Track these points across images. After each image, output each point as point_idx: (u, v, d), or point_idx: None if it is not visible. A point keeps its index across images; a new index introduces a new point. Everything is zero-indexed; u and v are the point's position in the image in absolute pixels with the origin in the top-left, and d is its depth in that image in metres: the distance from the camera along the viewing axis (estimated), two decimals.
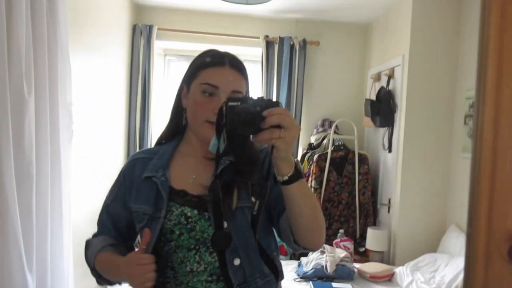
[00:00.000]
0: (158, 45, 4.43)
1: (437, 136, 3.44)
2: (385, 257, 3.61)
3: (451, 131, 3.42)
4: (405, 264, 3.18)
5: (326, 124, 4.37)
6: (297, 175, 1.02)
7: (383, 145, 3.80)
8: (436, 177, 3.46)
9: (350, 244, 3.60)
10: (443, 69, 3.41)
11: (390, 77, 3.67)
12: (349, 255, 3.23)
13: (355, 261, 3.43)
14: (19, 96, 1.82)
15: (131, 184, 1.22)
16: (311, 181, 3.92)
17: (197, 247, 1.14)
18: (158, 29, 4.23)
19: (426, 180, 3.47)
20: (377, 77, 4.00)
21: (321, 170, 3.93)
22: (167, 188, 1.17)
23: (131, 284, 1.06)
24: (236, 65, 1.19)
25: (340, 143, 4.09)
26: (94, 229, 1.31)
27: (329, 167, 3.90)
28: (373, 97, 3.85)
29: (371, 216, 3.94)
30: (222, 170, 1.14)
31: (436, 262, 3.05)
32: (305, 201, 1.07)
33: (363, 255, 3.73)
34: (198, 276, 1.14)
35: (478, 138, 0.51)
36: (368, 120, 3.91)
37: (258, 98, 1.02)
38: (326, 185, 3.90)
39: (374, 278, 3.06)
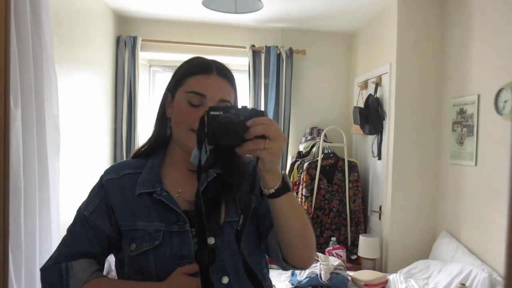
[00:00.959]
0: (143, 56, 4.39)
1: (426, 142, 3.46)
2: (378, 265, 3.59)
3: (440, 138, 3.44)
4: (398, 271, 3.16)
5: (314, 132, 4.37)
6: (285, 188, 0.96)
7: (373, 152, 3.80)
8: (426, 183, 3.47)
9: (342, 252, 3.58)
10: (430, 76, 3.44)
11: (378, 84, 3.68)
12: (342, 263, 3.21)
13: (348, 269, 3.41)
14: (5, 109, 1.76)
15: (121, 202, 1.10)
16: (302, 189, 3.90)
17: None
18: (143, 40, 4.19)
19: (416, 186, 3.47)
20: (364, 85, 4.02)
21: (312, 178, 3.91)
22: (173, 200, 1.08)
23: None
24: (223, 73, 1.12)
25: (329, 150, 4.08)
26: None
27: (319, 175, 3.89)
28: (361, 105, 3.86)
29: (362, 223, 3.94)
30: (208, 183, 1.09)
31: (429, 268, 3.04)
32: (293, 215, 1.00)
33: (355, 263, 3.71)
34: None
35: None
36: (356, 128, 3.92)
37: (242, 107, 0.96)
38: (317, 193, 3.89)
39: (368, 286, 3.04)
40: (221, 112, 0.93)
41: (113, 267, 3.83)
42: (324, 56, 4.50)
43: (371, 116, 3.63)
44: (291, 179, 4.08)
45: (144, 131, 4.41)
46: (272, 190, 0.95)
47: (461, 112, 3.09)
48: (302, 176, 3.94)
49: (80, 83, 3.22)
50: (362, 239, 3.58)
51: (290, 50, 4.29)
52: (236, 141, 0.92)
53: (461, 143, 3.09)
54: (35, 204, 2.02)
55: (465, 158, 3.04)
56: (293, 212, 1.00)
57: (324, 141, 4.10)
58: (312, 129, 4.39)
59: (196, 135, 0.97)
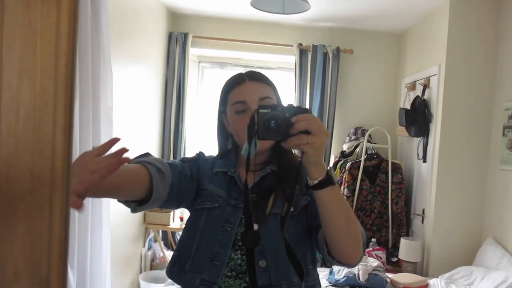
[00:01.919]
0: (193, 52, 4.52)
1: (474, 147, 3.38)
2: (418, 268, 3.55)
3: (489, 142, 3.36)
4: (440, 276, 3.12)
5: (358, 132, 4.36)
6: (329, 180, 1.02)
7: (418, 154, 3.76)
8: (472, 188, 3.40)
9: (382, 254, 3.57)
10: (481, 79, 3.35)
11: (426, 86, 3.63)
12: (381, 265, 3.20)
13: (387, 271, 3.40)
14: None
15: (205, 169, 1.29)
16: (344, 189, 3.91)
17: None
18: (193, 36, 4.31)
19: (462, 191, 3.41)
20: (412, 86, 3.97)
21: (354, 179, 3.91)
22: (241, 181, 1.22)
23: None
24: (255, 77, 1.27)
25: (373, 151, 4.06)
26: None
27: (361, 175, 3.88)
28: (408, 106, 3.82)
29: (404, 226, 3.90)
30: (263, 177, 1.22)
31: (472, 275, 2.99)
32: (337, 208, 1.05)
33: (395, 265, 3.69)
34: (221, 267, 1.17)
35: None
36: (402, 129, 3.88)
37: (288, 105, 1.04)
38: (358, 193, 3.89)
39: None
40: (269, 110, 1.01)
41: (158, 255, 3.99)
42: (371, 56, 4.47)
43: (417, 118, 3.58)
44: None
45: (191, 124, 4.55)
46: (316, 182, 1.01)
47: None
48: (344, 176, 3.95)
49: (134, 76, 3.37)
50: (403, 241, 3.55)
51: (337, 49, 4.29)
52: (281, 136, 1.00)
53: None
54: None
55: None
56: (337, 205, 1.05)
57: (368, 141, 4.08)
58: (356, 129, 4.38)
59: (247, 131, 1.05)
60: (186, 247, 1.23)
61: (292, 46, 4.30)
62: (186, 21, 4.41)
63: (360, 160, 3.91)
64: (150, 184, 1.10)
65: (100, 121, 2.30)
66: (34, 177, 0.53)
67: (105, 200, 2.35)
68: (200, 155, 1.37)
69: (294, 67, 4.33)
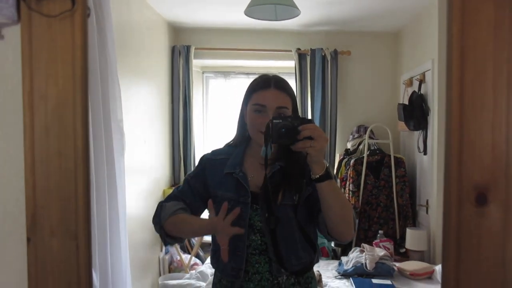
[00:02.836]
0: (196, 63, 4.70)
1: None
2: (426, 257, 3.65)
3: None
4: None
5: (361, 130, 4.48)
6: (327, 175, 1.31)
7: (418, 147, 3.87)
8: None
9: (390, 245, 3.67)
10: None
11: (421, 81, 3.76)
12: (388, 254, 3.31)
13: (396, 261, 3.50)
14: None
15: (214, 175, 1.55)
16: (349, 185, 4.04)
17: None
18: (195, 48, 4.49)
19: None
20: (409, 82, 4.10)
21: (358, 174, 4.04)
22: (247, 180, 1.49)
23: (212, 232, 1.41)
24: (280, 86, 1.48)
25: (375, 147, 4.19)
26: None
27: (366, 171, 4.01)
28: (406, 102, 3.94)
29: (410, 217, 4.01)
30: (274, 172, 1.47)
31: None
32: (334, 197, 1.34)
33: (403, 256, 3.79)
34: (243, 254, 1.46)
35: (448, 113, 0.66)
36: (402, 124, 4.00)
37: (295, 116, 1.39)
38: (364, 188, 4.01)
39: (414, 276, 3.13)
40: (281, 120, 1.32)
41: (175, 259, 4.14)
42: (369, 56, 4.61)
43: (415, 112, 3.71)
44: (339, 176, 4.23)
45: (199, 133, 4.72)
46: (317, 176, 1.31)
47: None
48: (349, 172, 4.08)
49: (140, 90, 3.55)
50: (409, 232, 3.66)
51: (335, 51, 4.44)
52: (290, 140, 1.30)
53: None
54: (105, 197, 2.32)
55: None
56: (334, 195, 1.34)
57: (371, 138, 4.21)
58: (359, 127, 4.51)
59: (264, 137, 1.35)
60: (216, 243, 1.46)
61: (291, 51, 4.46)
62: (187, 34, 4.59)
63: (363, 156, 4.03)
64: None
65: (111, 132, 2.46)
66: (61, 156, 0.69)
67: (121, 205, 2.51)
68: (205, 162, 1.60)
69: (294, 71, 4.48)
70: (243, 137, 1.60)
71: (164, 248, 4.16)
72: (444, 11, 3.48)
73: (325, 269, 3.25)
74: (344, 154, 4.38)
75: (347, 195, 4.03)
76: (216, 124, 5.00)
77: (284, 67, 4.73)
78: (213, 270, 3.03)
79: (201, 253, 4.44)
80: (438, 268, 3.19)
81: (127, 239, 2.55)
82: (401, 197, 4.02)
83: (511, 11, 0.63)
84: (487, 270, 0.69)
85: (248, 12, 2.56)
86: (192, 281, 2.73)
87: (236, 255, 1.46)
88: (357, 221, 3.98)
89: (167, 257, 4.14)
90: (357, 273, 3.11)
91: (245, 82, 4.87)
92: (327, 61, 4.42)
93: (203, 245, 4.48)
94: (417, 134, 3.92)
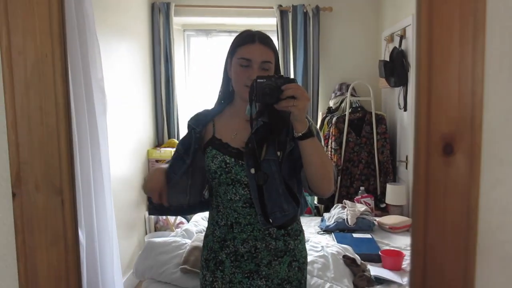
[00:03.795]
0: (177, 21, 4.61)
1: None
2: (405, 211, 3.78)
3: None
4: None
5: (343, 87, 4.50)
6: (309, 133, 1.36)
7: (399, 104, 3.92)
8: None
9: (370, 200, 3.78)
10: None
11: (402, 37, 3.76)
12: (369, 209, 3.42)
13: (377, 216, 3.62)
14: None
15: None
16: (331, 143, 4.10)
17: (233, 184, 1.52)
18: (176, 5, 4.40)
19: None
20: (390, 38, 4.10)
21: (340, 132, 4.09)
22: (198, 143, 1.56)
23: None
24: (264, 41, 1.51)
25: (357, 105, 4.23)
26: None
27: (347, 128, 4.06)
28: (387, 58, 3.96)
29: (390, 173, 4.10)
30: (257, 129, 1.48)
31: None
32: (315, 154, 1.40)
33: (384, 211, 3.91)
34: (236, 203, 1.53)
35: (417, 67, 0.69)
36: (384, 81, 4.03)
37: (279, 75, 1.40)
38: (345, 146, 4.07)
39: (393, 229, 3.25)
40: (265, 80, 1.35)
41: (161, 218, 4.20)
42: (350, 12, 4.57)
43: (396, 68, 3.73)
44: (322, 133, 4.28)
45: (182, 91, 4.69)
46: (300, 134, 1.36)
47: None
48: (331, 130, 4.13)
49: (120, 49, 3.50)
50: (389, 187, 3.76)
51: (317, 8, 4.39)
52: (273, 100, 1.34)
53: None
54: (89, 157, 2.33)
55: None
56: (315, 151, 1.40)
57: (353, 95, 4.24)
58: (341, 85, 4.52)
59: (248, 96, 1.39)
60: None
61: (272, 8, 4.40)
62: None
63: (345, 114, 4.08)
64: None
65: (92, 92, 2.44)
66: (43, 112, 0.70)
67: (105, 165, 2.52)
68: (189, 124, 1.64)
69: (276, 29, 4.44)
70: (227, 92, 1.63)
71: None
72: None
73: (307, 225, 3.35)
74: (327, 112, 4.42)
75: (329, 153, 4.10)
76: (199, 82, 4.96)
77: (266, 24, 4.66)
78: (198, 228, 3.11)
79: None
80: None
81: (112, 198, 2.59)
82: (381, 153, 4.10)
83: None
84: (454, 216, 0.73)
85: None
86: (178, 239, 2.80)
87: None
88: (339, 178, 4.07)
89: (152, 216, 4.20)
90: (339, 229, 3.21)
91: (227, 40, 4.81)
92: (309, 17, 4.38)
93: None
94: (398, 91, 3.96)
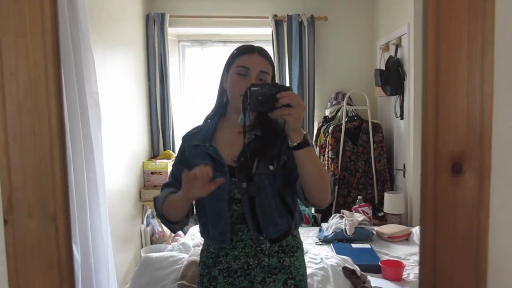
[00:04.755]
0: (171, 32, 4.59)
1: None
2: (403, 220, 3.75)
3: None
4: None
5: (339, 96, 4.49)
6: (305, 143, 1.32)
7: (395, 112, 3.92)
8: None
9: (368, 210, 3.76)
10: None
11: (398, 45, 3.77)
12: (367, 219, 3.39)
13: (375, 225, 3.59)
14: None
15: (190, 150, 1.56)
16: (328, 152, 4.08)
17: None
18: (170, 16, 4.39)
19: None
20: (386, 47, 4.10)
21: (337, 141, 4.07)
22: (218, 153, 1.49)
23: (188, 196, 1.38)
24: (263, 53, 1.51)
25: (353, 113, 4.22)
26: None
27: (344, 137, 4.05)
28: (383, 67, 3.96)
29: (388, 182, 4.09)
30: (250, 142, 1.45)
31: None
32: (311, 164, 1.36)
33: (382, 220, 3.89)
34: (227, 219, 1.49)
35: (424, 84, 0.67)
36: (379, 90, 4.02)
37: (273, 83, 1.36)
38: (342, 155, 4.05)
39: (392, 238, 3.22)
40: (259, 88, 1.30)
41: (156, 230, 4.16)
42: (346, 21, 4.58)
43: (391, 77, 3.73)
44: (318, 143, 4.26)
45: (177, 102, 4.67)
46: (295, 144, 1.32)
47: None
48: (327, 140, 4.11)
49: (115, 60, 3.47)
50: (387, 196, 3.74)
51: (312, 17, 4.39)
52: (268, 108, 1.29)
53: None
54: (83, 172, 2.29)
55: None
56: (311, 162, 1.36)
57: (349, 104, 4.24)
58: (337, 94, 4.52)
59: (242, 104, 1.35)
60: (204, 214, 1.54)
61: (267, 18, 4.40)
62: (162, 1, 4.47)
63: (342, 123, 4.06)
64: None
65: (87, 105, 2.41)
66: (36, 134, 0.67)
67: (100, 179, 2.49)
68: (183, 141, 1.62)
69: (271, 38, 4.43)
70: (221, 105, 1.60)
71: (145, 220, 4.17)
72: None
73: (306, 236, 3.32)
74: (323, 122, 4.41)
75: (326, 162, 4.08)
76: (194, 93, 4.95)
77: (261, 34, 4.67)
78: (195, 241, 3.07)
79: None
80: (415, 230, 3.29)
81: (107, 213, 2.55)
82: (378, 162, 4.08)
83: None
84: (463, 236, 0.71)
85: None
86: (175, 253, 2.76)
87: (220, 218, 1.49)
88: (336, 187, 4.04)
89: (148, 229, 4.16)
90: (337, 239, 3.18)
91: (222, 51, 4.80)
92: (304, 27, 4.38)
93: None
94: (394, 99, 3.96)
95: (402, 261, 2.76)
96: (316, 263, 2.65)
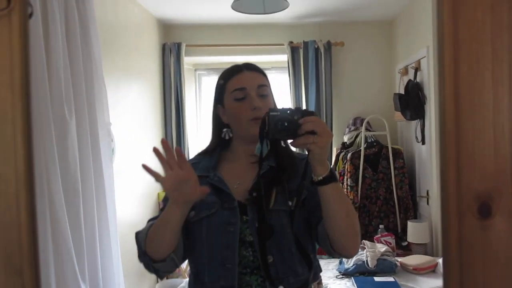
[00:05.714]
0: (188, 61, 4.60)
1: None
2: (429, 249, 3.58)
3: None
4: None
5: (357, 122, 4.39)
6: (331, 177, 1.13)
7: (416, 137, 3.79)
8: None
9: (391, 239, 3.59)
10: None
11: (417, 69, 3.67)
12: (390, 249, 3.24)
13: (398, 255, 3.43)
14: (61, 119, 1.98)
15: None
16: (347, 179, 3.95)
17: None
18: (186, 45, 4.39)
19: None
20: (405, 71, 4.01)
21: (356, 168, 3.95)
22: (224, 183, 1.28)
23: (178, 202, 1.13)
24: (251, 67, 1.36)
25: (373, 139, 4.11)
26: None
27: (363, 164, 3.92)
28: (402, 91, 3.85)
29: (411, 209, 3.93)
30: (263, 174, 1.24)
31: None
32: (338, 203, 1.16)
33: (406, 249, 3.72)
34: (234, 269, 1.22)
35: (442, 113, 0.57)
36: (399, 114, 3.91)
37: (296, 108, 1.16)
38: (362, 182, 3.92)
39: (417, 270, 3.05)
40: (279, 113, 1.13)
41: None
42: (363, 46, 4.51)
43: (411, 101, 3.62)
44: (337, 170, 4.14)
45: (193, 132, 4.62)
46: (320, 178, 1.12)
47: None
48: (346, 167, 3.99)
49: (131, 90, 3.46)
50: (410, 224, 3.58)
51: (328, 43, 4.34)
52: (290, 136, 1.13)
53: None
54: (93, 205, 2.23)
55: None
56: (339, 200, 1.16)
57: (368, 130, 4.13)
58: (355, 119, 4.42)
59: (259, 132, 1.17)
60: (199, 260, 1.27)
61: (283, 45, 4.36)
62: (178, 31, 4.49)
63: (360, 149, 3.95)
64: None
65: (98, 137, 2.36)
66: (1, 179, 0.60)
67: (111, 212, 2.42)
68: (201, 173, 1.34)
69: (287, 65, 4.39)
70: (218, 141, 1.40)
71: None
72: None
73: (325, 269, 3.17)
74: (341, 148, 4.30)
75: (345, 190, 3.95)
76: (210, 122, 4.90)
77: (277, 61, 4.63)
78: None
79: None
80: (441, 260, 3.11)
81: (119, 247, 2.47)
82: (400, 189, 3.93)
83: None
84: None
85: (236, 6, 2.47)
86: None
87: (224, 269, 1.22)
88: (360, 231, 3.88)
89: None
90: (359, 272, 3.03)
91: None
92: (321, 53, 4.33)
93: None
94: (415, 124, 3.83)
95: None
96: None
